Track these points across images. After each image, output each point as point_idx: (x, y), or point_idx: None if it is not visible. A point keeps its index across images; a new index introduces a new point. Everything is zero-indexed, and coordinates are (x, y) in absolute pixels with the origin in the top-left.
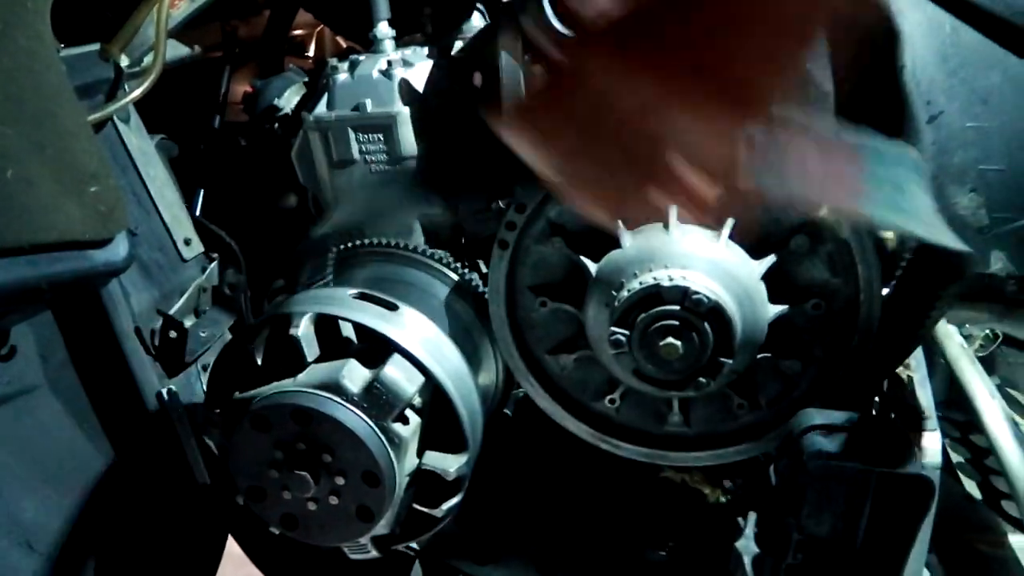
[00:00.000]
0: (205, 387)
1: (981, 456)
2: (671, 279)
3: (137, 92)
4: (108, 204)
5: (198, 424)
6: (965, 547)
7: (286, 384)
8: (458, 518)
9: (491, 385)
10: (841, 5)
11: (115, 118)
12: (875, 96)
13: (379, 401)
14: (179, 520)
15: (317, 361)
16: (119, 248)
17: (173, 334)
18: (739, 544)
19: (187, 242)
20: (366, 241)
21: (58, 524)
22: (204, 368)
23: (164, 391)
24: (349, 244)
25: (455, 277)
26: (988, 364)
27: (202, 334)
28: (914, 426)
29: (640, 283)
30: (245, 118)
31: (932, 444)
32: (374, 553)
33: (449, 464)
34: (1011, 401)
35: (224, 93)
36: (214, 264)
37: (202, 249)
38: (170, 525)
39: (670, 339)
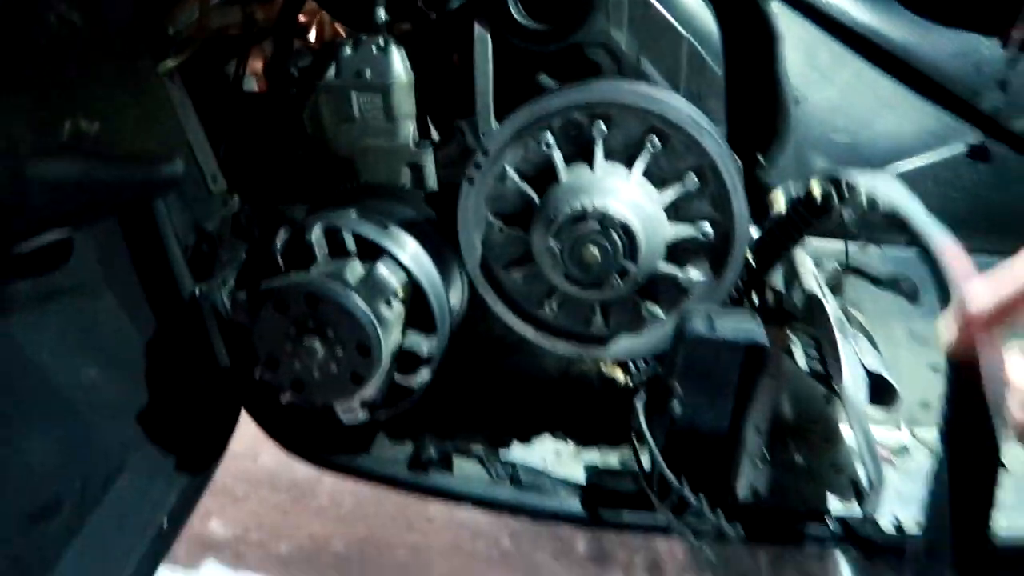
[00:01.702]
0: (227, 296)
1: None
2: (594, 205)
3: (183, 56)
4: (175, 132)
5: (222, 319)
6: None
7: (301, 275)
8: (427, 399)
9: (459, 295)
10: None
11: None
12: (759, 84)
13: (371, 290)
14: (204, 395)
15: (325, 261)
16: (177, 166)
17: (205, 247)
18: (636, 398)
19: (214, 179)
20: (363, 182)
21: (110, 392)
22: (223, 283)
23: (196, 289)
24: (350, 184)
25: (431, 210)
26: (836, 289)
27: (224, 255)
28: (778, 320)
29: (571, 208)
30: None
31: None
32: (361, 416)
33: (422, 344)
34: (851, 319)
35: (244, 65)
36: (236, 198)
37: (226, 186)
38: (197, 398)
39: (591, 248)
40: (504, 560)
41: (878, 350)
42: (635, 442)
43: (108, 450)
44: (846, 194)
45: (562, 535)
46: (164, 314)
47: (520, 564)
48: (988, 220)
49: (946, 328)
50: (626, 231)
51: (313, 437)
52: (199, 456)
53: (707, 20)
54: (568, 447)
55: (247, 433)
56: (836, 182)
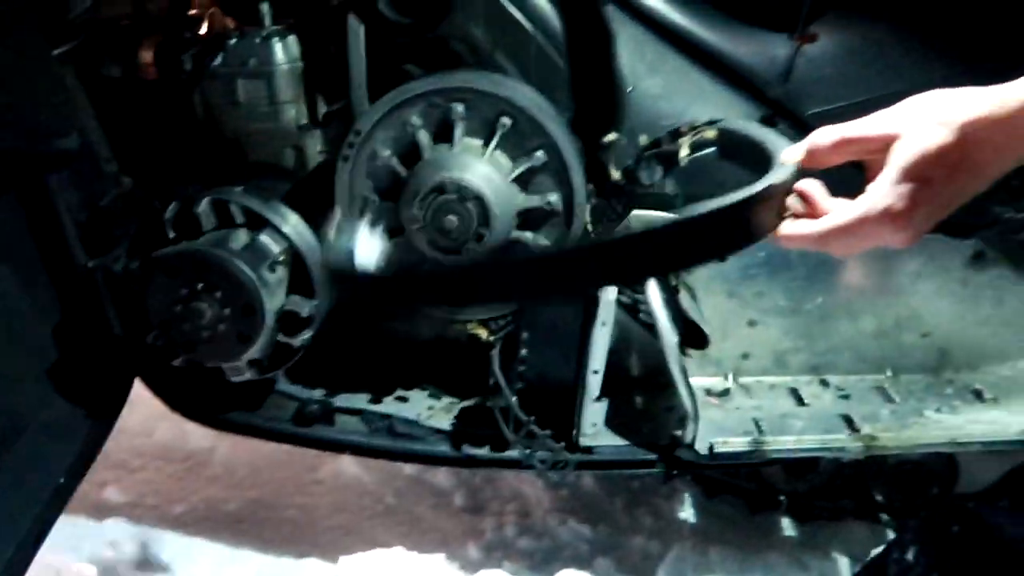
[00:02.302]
0: (120, 268)
1: None
2: (451, 178)
3: (75, 40)
4: (68, 108)
5: (116, 290)
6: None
7: (190, 243)
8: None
9: None
10: None
11: None
12: (597, 76)
13: (255, 255)
14: (99, 362)
15: (213, 231)
16: (71, 141)
17: (98, 223)
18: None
19: (107, 160)
20: (250, 162)
21: (8, 361)
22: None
23: (90, 263)
24: (238, 164)
25: (313, 187)
26: None
27: (117, 231)
28: None
29: (432, 181)
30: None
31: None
32: (249, 375)
33: (303, 307)
34: (679, 281)
35: (135, 55)
36: (128, 180)
37: (118, 168)
38: (92, 366)
39: (449, 216)
40: (388, 514)
41: (698, 304)
42: (493, 389)
43: (7, 415)
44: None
45: (441, 490)
46: (59, 287)
47: (403, 518)
48: None
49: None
50: (479, 200)
51: (205, 400)
52: (95, 420)
53: (553, 20)
54: (441, 401)
55: (142, 411)
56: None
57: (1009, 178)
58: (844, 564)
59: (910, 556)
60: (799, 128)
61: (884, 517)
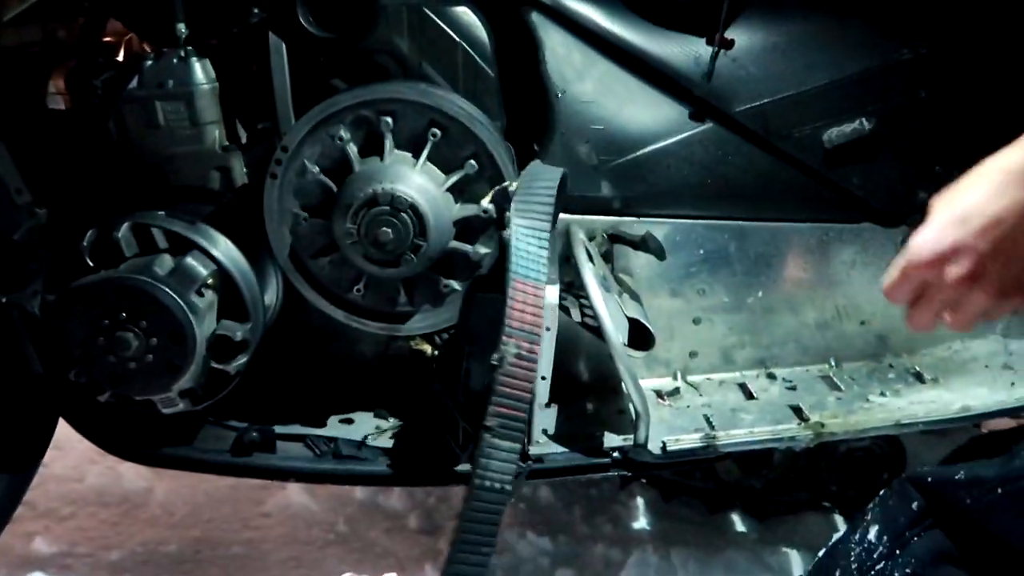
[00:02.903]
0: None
1: None
2: (384, 188)
3: None
4: None
5: (33, 327)
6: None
7: (111, 271)
8: (250, 387)
9: (273, 287)
10: None
11: None
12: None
13: (181, 279)
14: (18, 403)
15: (134, 258)
16: None
17: (11, 258)
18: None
19: (18, 191)
20: (172, 186)
21: None
22: (35, 293)
23: (4, 299)
24: (159, 188)
25: (240, 210)
26: (607, 256)
27: (32, 265)
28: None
29: (364, 193)
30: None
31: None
32: (182, 406)
33: (236, 331)
34: (623, 284)
35: (45, 83)
36: (43, 211)
37: (31, 198)
38: (11, 407)
39: (383, 228)
40: (340, 542)
41: (642, 305)
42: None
43: None
44: None
45: (394, 513)
46: None
47: (356, 544)
48: (718, 188)
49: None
50: (414, 211)
51: (136, 436)
52: (15, 465)
53: (480, 29)
54: (388, 421)
55: (71, 455)
56: None
57: (932, 164)
58: (801, 557)
59: (872, 536)
60: (728, 127)
61: (839, 509)
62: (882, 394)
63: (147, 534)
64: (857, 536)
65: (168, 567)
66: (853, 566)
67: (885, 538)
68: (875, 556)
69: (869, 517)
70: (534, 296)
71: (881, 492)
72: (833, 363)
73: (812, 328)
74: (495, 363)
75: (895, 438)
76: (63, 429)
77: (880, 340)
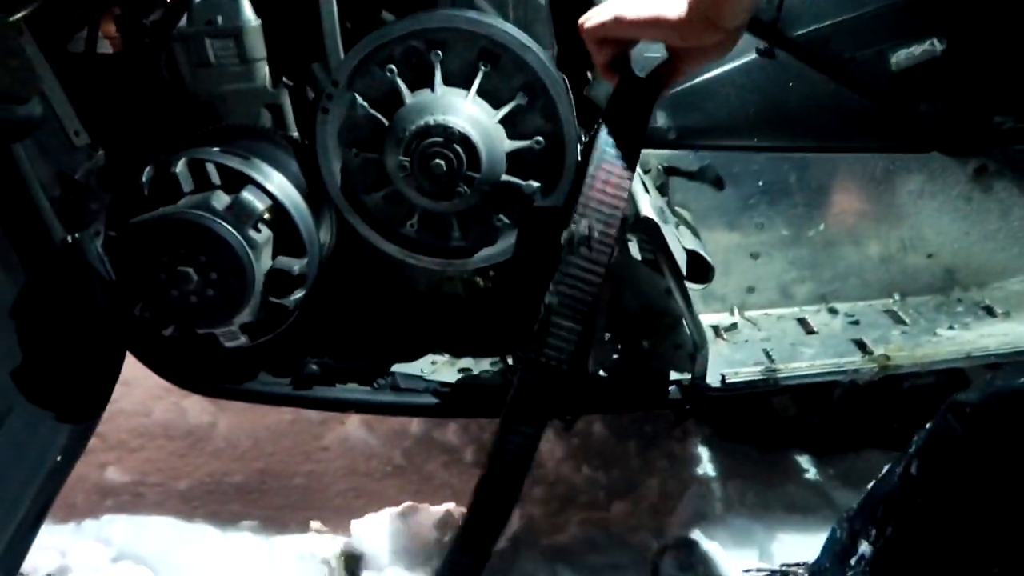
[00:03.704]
0: (100, 241)
1: None
2: (436, 120)
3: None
4: (27, 73)
5: (99, 263)
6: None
7: (169, 207)
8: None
9: (327, 223)
10: None
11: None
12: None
13: (238, 215)
14: (87, 339)
15: (192, 194)
16: (35, 108)
17: (72, 197)
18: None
19: (76, 133)
20: (224, 124)
21: None
22: (97, 232)
23: (69, 238)
24: (212, 126)
25: (291, 147)
26: (663, 189)
27: (93, 204)
28: None
29: (415, 125)
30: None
31: None
32: (243, 340)
33: (293, 265)
34: (680, 216)
35: (96, 24)
36: (101, 152)
37: (89, 140)
38: (80, 343)
39: (436, 160)
40: (398, 474)
41: (699, 238)
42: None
43: None
44: None
45: (450, 447)
46: (39, 264)
47: (413, 476)
48: (778, 117)
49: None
50: (466, 142)
51: (200, 369)
52: (86, 398)
53: None
54: (443, 356)
55: (138, 391)
56: None
57: (1009, 87)
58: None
59: (913, 470)
60: (789, 51)
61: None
62: (950, 327)
63: (213, 465)
64: (900, 469)
65: (235, 496)
66: (897, 499)
67: (928, 471)
68: (916, 489)
69: (912, 449)
70: (618, 179)
71: (925, 425)
72: (897, 297)
73: (875, 262)
74: (564, 241)
75: (962, 378)
76: (131, 366)
77: (948, 273)
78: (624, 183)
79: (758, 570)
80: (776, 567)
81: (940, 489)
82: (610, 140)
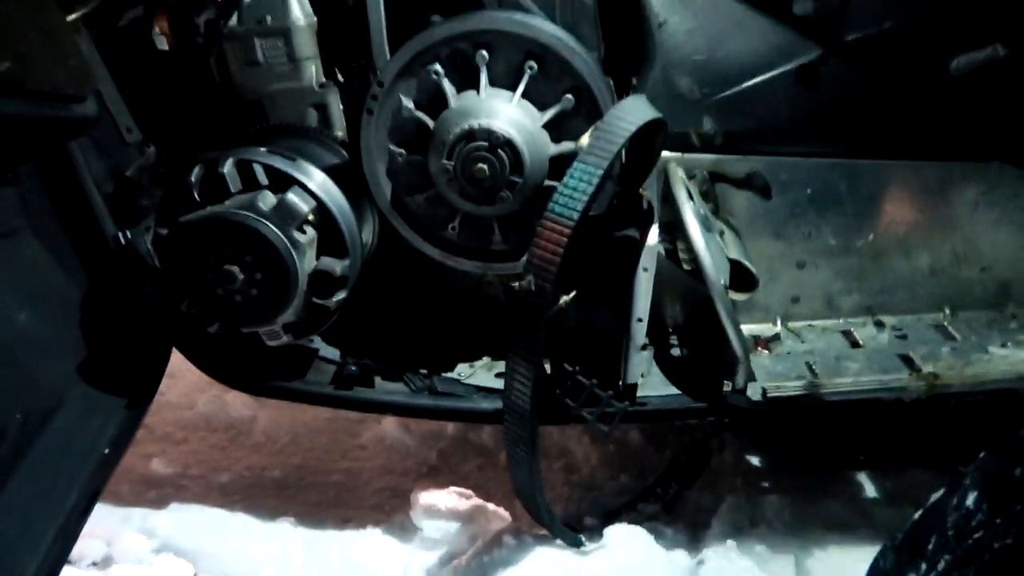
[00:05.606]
0: (150, 238)
1: None
2: (480, 124)
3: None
4: (85, 72)
5: (149, 259)
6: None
7: (216, 207)
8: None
9: (370, 225)
10: None
11: None
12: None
13: (283, 216)
14: (136, 333)
15: (239, 193)
16: (91, 106)
17: (124, 194)
18: None
19: (128, 130)
20: (271, 123)
21: (43, 334)
22: (147, 229)
23: (120, 234)
24: (259, 125)
25: (338, 147)
26: (707, 195)
27: (144, 201)
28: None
29: (460, 129)
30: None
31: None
32: (285, 339)
33: (336, 266)
34: (725, 224)
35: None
36: (152, 149)
37: (141, 137)
38: (129, 337)
39: (480, 164)
40: (433, 474)
41: (744, 246)
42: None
43: (45, 387)
44: None
45: (485, 449)
46: (90, 259)
47: (448, 476)
48: (829, 123)
49: None
50: (510, 147)
51: (243, 367)
52: (134, 391)
53: None
54: (481, 360)
55: (182, 384)
56: None
57: None
58: (902, 513)
59: (970, 503)
60: (842, 56)
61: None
62: (1003, 345)
63: (252, 460)
64: (955, 501)
65: (273, 491)
66: (950, 532)
67: (985, 505)
68: (973, 524)
69: (968, 481)
70: (558, 235)
71: (982, 454)
72: (948, 311)
73: (926, 274)
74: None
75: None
76: (175, 360)
77: (1002, 288)
78: (564, 237)
79: None
80: None
81: (1003, 527)
82: (565, 191)
